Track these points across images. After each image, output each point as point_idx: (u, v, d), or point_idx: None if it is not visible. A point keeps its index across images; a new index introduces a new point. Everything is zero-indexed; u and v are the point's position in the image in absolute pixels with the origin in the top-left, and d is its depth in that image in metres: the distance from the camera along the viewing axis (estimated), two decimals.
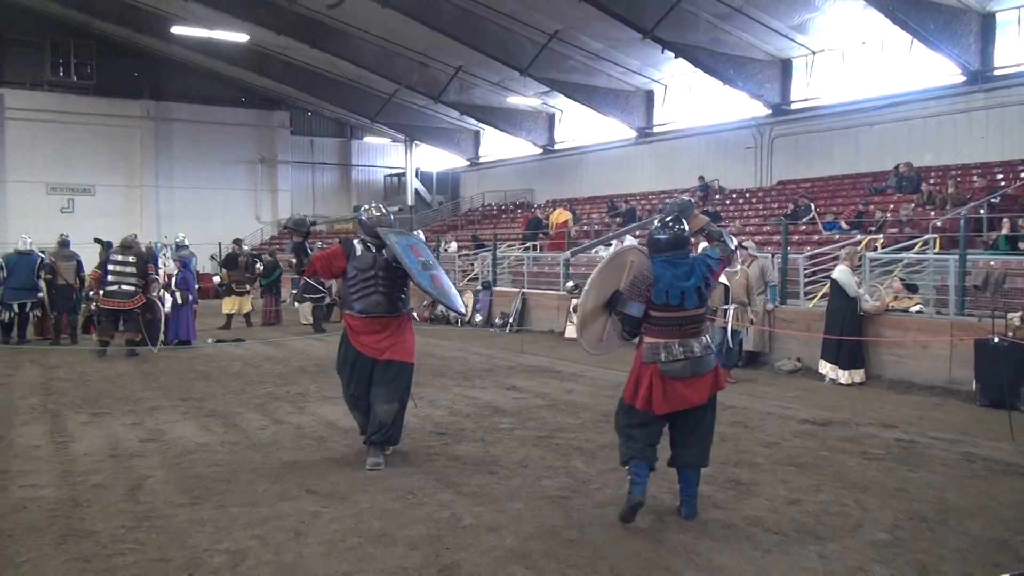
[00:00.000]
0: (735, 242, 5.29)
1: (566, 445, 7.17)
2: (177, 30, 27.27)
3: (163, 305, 14.16)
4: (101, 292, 13.19)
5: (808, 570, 4.38)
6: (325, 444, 7.21)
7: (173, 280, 14.52)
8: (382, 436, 6.44)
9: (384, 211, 6.74)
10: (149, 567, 4.42)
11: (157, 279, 13.89)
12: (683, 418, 5.11)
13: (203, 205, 36.12)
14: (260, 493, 5.74)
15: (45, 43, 33.49)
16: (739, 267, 10.79)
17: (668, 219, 5.10)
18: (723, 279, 10.54)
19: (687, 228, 5.12)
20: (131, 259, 13.17)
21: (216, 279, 19.20)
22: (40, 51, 33.55)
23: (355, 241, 6.64)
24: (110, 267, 13.16)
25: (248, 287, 18.33)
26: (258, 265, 18.74)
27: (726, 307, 10.53)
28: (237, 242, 19.80)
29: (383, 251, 6.45)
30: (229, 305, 17.89)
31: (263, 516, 5.24)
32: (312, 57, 30.44)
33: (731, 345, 10.57)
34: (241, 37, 27.55)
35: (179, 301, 14.34)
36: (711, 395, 5.10)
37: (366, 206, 6.85)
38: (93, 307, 14.15)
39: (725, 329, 10.47)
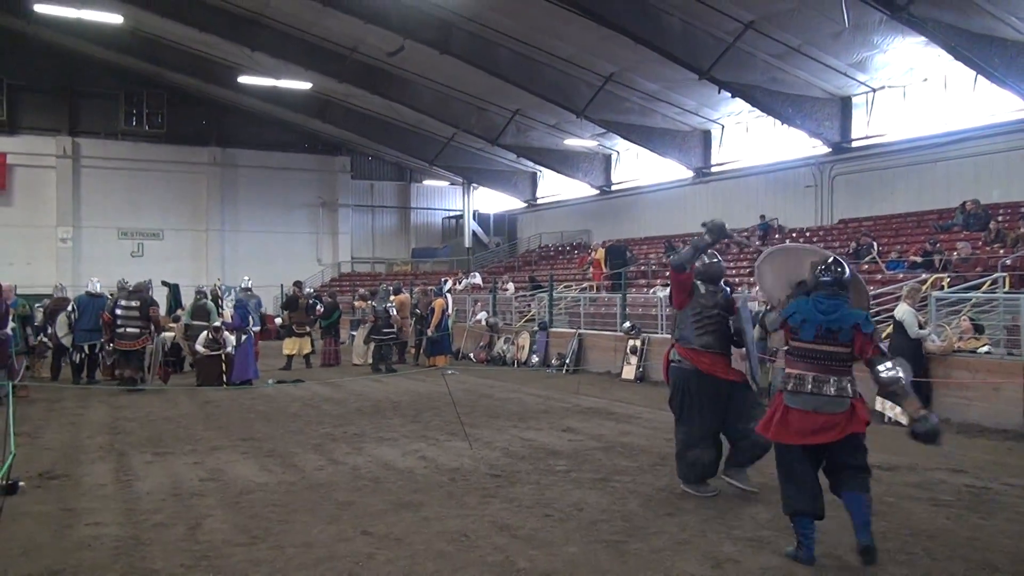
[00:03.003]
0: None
1: (622, 488, 7.08)
2: (244, 79, 28.29)
3: (226, 346, 14.51)
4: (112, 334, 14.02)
5: None
6: (381, 485, 7.24)
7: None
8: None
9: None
10: None
11: (158, 320, 14.68)
12: (833, 457, 5.16)
13: (266, 248, 37.02)
14: (316, 534, 5.78)
15: (119, 94, 34.99)
16: None
17: (831, 262, 5.25)
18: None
19: (845, 271, 5.28)
20: (135, 303, 14.03)
21: (278, 321, 19.54)
22: (115, 102, 35.05)
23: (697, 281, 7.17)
24: (118, 311, 13.99)
25: (308, 328, 18.62)
26: (318, 307, 19.04)
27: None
28: (298, 284, 20.17)
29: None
30: (290, 346, 18.18)
31: (318, 557, 5.27)
32: (372, 103, 31.19)
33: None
34: (304, 85, 28.44)
35: (235, 343, 14.64)
36: (842, 434, 5.07)
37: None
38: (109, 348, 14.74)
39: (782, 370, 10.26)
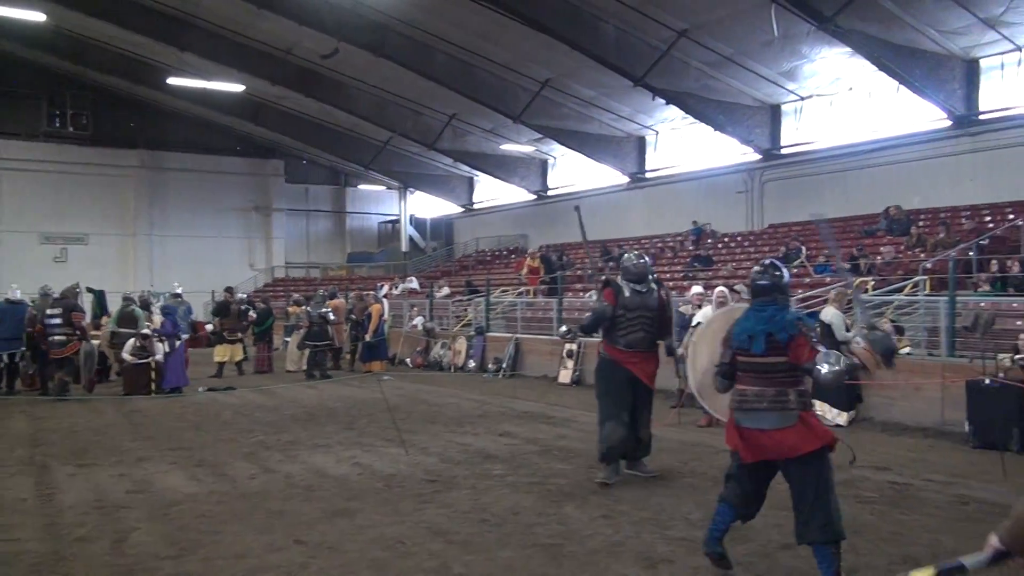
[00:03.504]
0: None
1: (558, 491, 7.11)
2: (173, 81, 27.61)
3: (155, 353, 14.17)
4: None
5: None
6: (315, 493, 7.14)
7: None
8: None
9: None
10: None
11: (83, 326, 14.26)
12: (792, 483, 4.79)
13: (197, 253, 36.14)
14: (247, 544, 5.67)
15: (42, 95, 33.85)
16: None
17: (766, 265, 4.98)
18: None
19: (783, 273, 4.96)
20: (58, 311, 13.75)
21: (209, 327, 19.14)
22: (37, 102, 33.87)
23: (621, 282, 7.60)
24: (47, 320, 13.72)
25: (240, 335, 18.28)
26: (251, 313, 18.71)
27: None
28: (229, 290, 19.78)
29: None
30: (221, 353, 17.82)
31: (250, 568, 5.17)
32: (307, 106, 30.78)
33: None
34: (236, 87, 27.91)
35: (166, 349, 14.33)
36: (802, 451, 4.66)
37: (628, 254, 7.90)
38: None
39: None
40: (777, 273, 4.90)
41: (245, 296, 21.14)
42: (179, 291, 17.51)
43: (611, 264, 20.27)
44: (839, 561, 4.59)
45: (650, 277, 7.71)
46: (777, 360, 4.71)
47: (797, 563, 5.16)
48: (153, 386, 14.06)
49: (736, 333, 4.89)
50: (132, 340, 14.25)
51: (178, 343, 14.75)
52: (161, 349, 14.30)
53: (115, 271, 33.74)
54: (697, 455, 8.68)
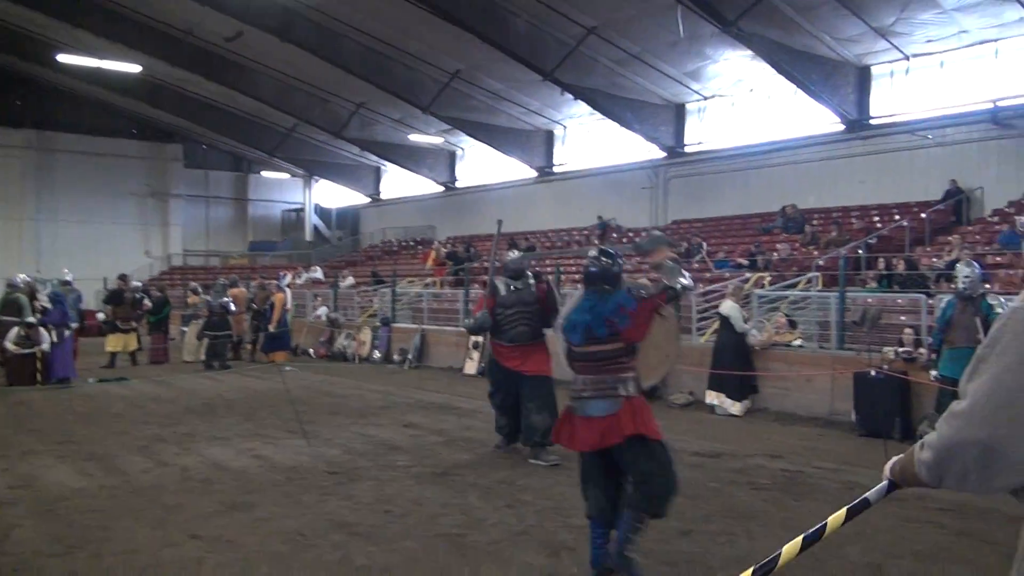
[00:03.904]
0: (686, 283, 4.96)
1: (462, 482, 7.11)
2: (63, 58, 26.28)
3: (41, 343, 13.52)
4: None
5: None
6: (212, 486, 6.94)
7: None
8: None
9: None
10: None
11: None
12: (621, 459, 4.72)
13: (89, 239, 34.60)
14: (140, 540, 5.47)
15: None
16: None
17: (596, 253, 4.96)
18: None
19: (614, 263, 4.89)
20: None
21: (100, 316, 18.33)
22: None
23: (498, 281, 8.14)
24: None
25: (135, 324, 17.61)
26: (146, 301, 18.04)
27: None
28: (123, 278, 19.00)
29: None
30: (113, 343, 17.13)
31: (142, 565, 4.99)
32: (208, 89, 29.81)
33: None
34: (133, 68, 26.70)
35: (53, 339, 13.69)
36: (611, 441, 4.61)
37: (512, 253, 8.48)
38: None
39: None
40: (607, 261, 4.85)
41: (140, 284, 20.35)
42: (69, 278, 16.71)
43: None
44: (634, 530, 4.58)
45: (528, 273, 8.32)
46: (599, 349, 4.70)
47: (695, 549, 5.30)
48: (39, 377, 13.41)
49: (564, 324, 4.90)
50: (16, 329, 13.54)
51: (67, 333, 14.10)
52: (47, 338, 13.65)
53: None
54: None
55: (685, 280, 4.95)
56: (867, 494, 2.29)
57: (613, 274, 4.86)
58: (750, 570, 2.30)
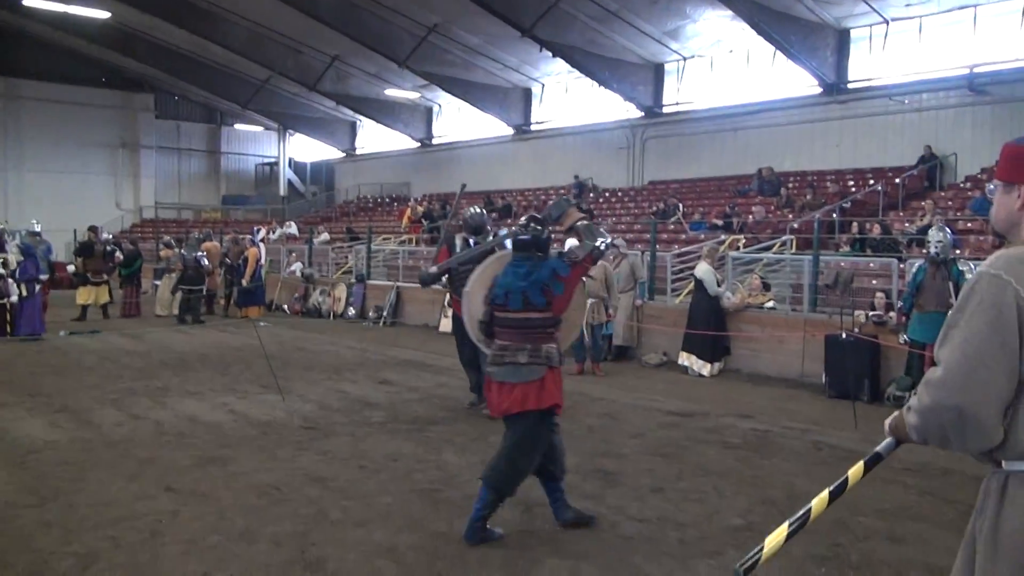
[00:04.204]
0: (606, 240, 5.07)
1: (437, 438, 7.16)
2: (29, 2, 25.53)
3: (10, 295, 13.32)
4: None
5: (668, 555, 4.54)
6: (186, 440, 6.93)
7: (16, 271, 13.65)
8: None
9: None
10: None
11: None
12: (506, 428, 4.86)
13: (58, 190, 33.99)
14: (114, 493, 5.47)
15: None
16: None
17: (526, 220, 4.99)
18: None
19: (544, 230, 4.94)
20: None
21: (71, 268, 18.06)
22: None
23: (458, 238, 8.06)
24: None
25: (106, 277, 17.39)
26: (117, 254, 17.81)
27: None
28: (93, 229, 18.69)
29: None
30: (84, 296, 16.91)
31: (117, 516, 4.99)
32: (180, 38, 29.18)
33: (587, 340, 10.79)
34: (101, 14, 26.05)
35: (23, 293, 13.44)
36: (527, 407, 4.69)
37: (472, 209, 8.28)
38: None
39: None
40: (538, 228, 4.89)
41: (111, 236, 20.05)
42: (38, 229, 16.39)
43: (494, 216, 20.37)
44: (489, 510, 4.68)
45: (488, 228, 8.35)
46: (531, 316, 4.75)
47: (666, 506, 5.39)
48: (9, 329, 13.23)
49: (496, 289, 4.88)
50: None
51: (37, 287, 13.86)
52: (16, 291, 13.44)
53: None
54: (573, 403, 8.88)
55: (605, 238, 5.07)
56: (878, 448, 2.44)
57: (544, 241, 4.89)
58: (784, 524, 2.39)
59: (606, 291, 10.98)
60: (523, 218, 5.04)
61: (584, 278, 5.13)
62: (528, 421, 4.71)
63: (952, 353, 2.02)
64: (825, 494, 2.46)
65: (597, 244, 4.92)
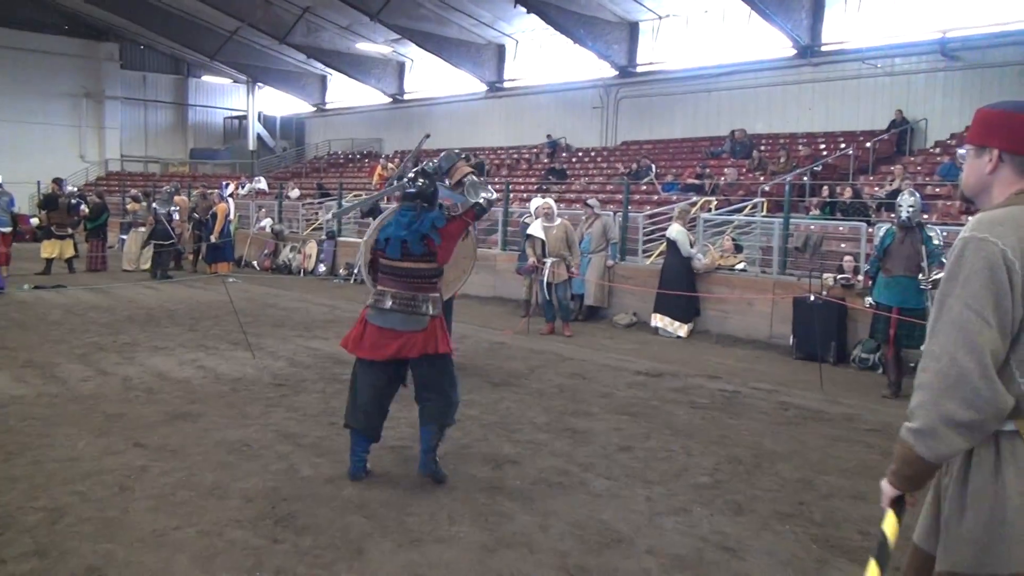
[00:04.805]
0: (489, 197, 5.20)
1: (407, 395, 7.11)
2: None
3: None
4: None
5: (636, 512, 4.61)
6: (155, 396, 6.89)
7: None
8: None
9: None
10: None
11: None
12: (416, 376, 5.09)
13: (19, 141, 33.18)
14: (81, 448, 5.43)
15: None
16: (557, 222, 11.01)
17: (413, 174, 5.07)
18: (538, 233, 10.80)
19: (430, 183, 5.04)
20: None
21: (34, 221, 17.72)
22: None
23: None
24: None
25: (71, 230, 17.10)
26: (83, 207, 17.49)
27: (545, 260, 10.77)
28: (57, 181, 18.32)
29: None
30: (49, 249, 16.65)
31: (85, 471, 4.97)
32: None
33: (547, 297, 10.83)
34: None
35: None
36: (421, 352, 4.91)
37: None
38: None
39: (543, 282, 10.77)
40: (424, 182, 5.01)
41: (75, 189, 19.67)
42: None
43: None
44: (437, 441, 5.03)
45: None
46: (413, 266, 4.93)
47: (634, 464, 5.47)
48: None
49: (380, 236, 5.05)
50: None
51: None
52: None
53: None
54: (543, 362, 8.95)
55: (489, 194, 5.21)
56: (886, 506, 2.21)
57: (430, 193, 5.03)
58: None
59: (567, 249, 10.96)
60: (411, 172, 5.12)
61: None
62: (436, 360, 4.99)
63: (951, 325, 2.02)
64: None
65: (480, 199, 5.12)
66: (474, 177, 5.32)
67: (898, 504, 2.17)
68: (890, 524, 2.16)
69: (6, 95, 33.75)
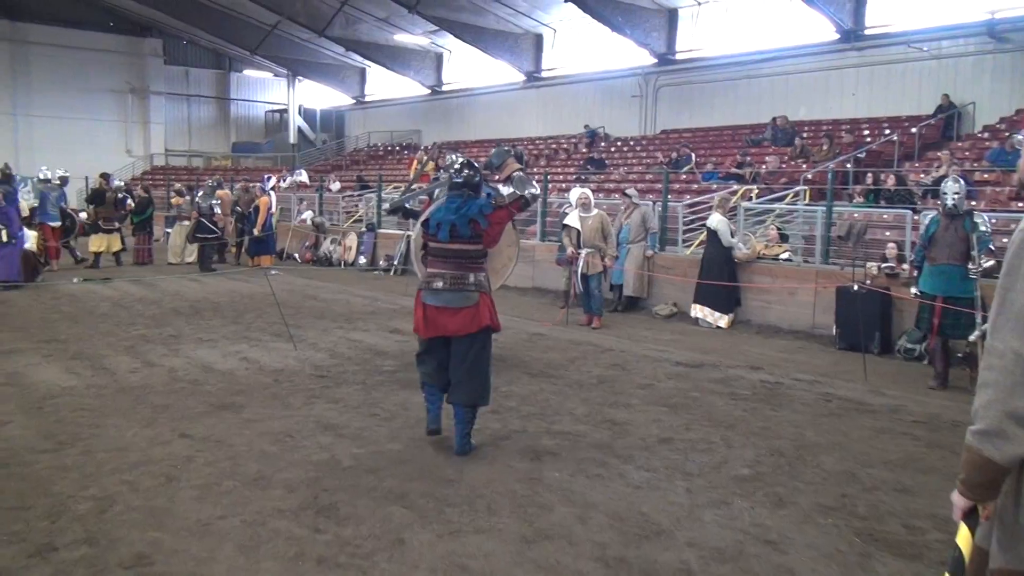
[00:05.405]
0: (534, 191, 5.64)
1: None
2: None
3: (22, 242, 13.31)
4: None
5: (675, 504, 4.59)
6: (200, 387, 7.01)
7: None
8: None
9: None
10: (7, 516, 4.22)
11: None
12: (454, 353, 5.43)
13: (68, 136, 33.87)
14: (130, 438, 5.56)
15: None
16: (593, 212, 10.91)
17: (460, 165, 5.53)
18: (574, 223, 10.72)
19: (475, 173, 5.50)
20: None
21: (83, 216, 18.10)
22: None
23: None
24: None
25: (118, 224, 17.45)
26: (128, 201, 17.83)
27: (579, 251, 10.68)
28: (105, 176, 18.69)
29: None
30: (97, 243, 17.00)
31: (133, 461, 5.08)
32: None
33: (580, 289, 10.76)
34: None
35: (3, 238, 12.82)
36: (471, 330, 5.34)
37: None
38: None
39: (577, 272, 10.68)
40: (470, 172, 5.48)
41: (122, 184, 20.03)
42: (48, 175, 16.42)
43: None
44: (471, 424, 5.45)
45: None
46: (461, 247, 5.39)
47: (674, 456, 5.44)
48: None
49: (430, 220, 5.50)
50: None
51: (20, 234, 13.08)
52: (27, 237, 13.43)
53: None
54: (582, 353, 8.94)
55: (534, 189, 5.70)
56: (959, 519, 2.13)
57: (475, 183, 5.52)
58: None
59: (602, 240, 10.86)
60: (461, 160, 5.60)
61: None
62: (477, 339, 5.39)
63: (1015, 320, 1.93)
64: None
65: (525, 194, 5.59)
66: (521, 173, 5.76)
67: (971, 516, 2.07)
68: (963, 538, 2.07)
69: (54, 92, 34.48)
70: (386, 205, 7.46)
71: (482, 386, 5.44)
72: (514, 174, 5.77)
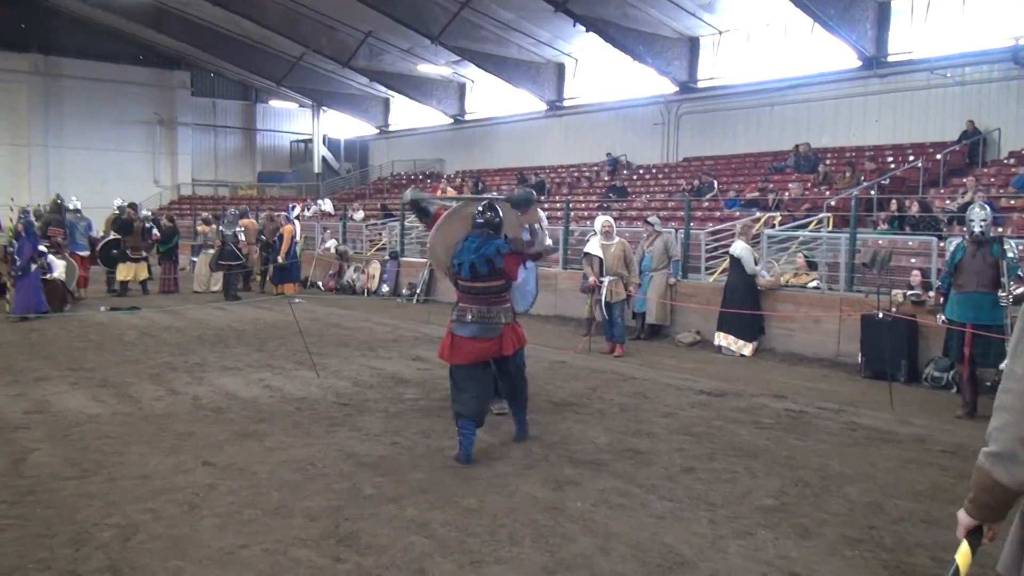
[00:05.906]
0: (550, 245, 6.42)
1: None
2: None
3: (53, 271, 13.52)
4: None
5: (698, 535, 4.53)
6: (223, 415, 7.05)
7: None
8: None
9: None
10: (33, 543, 4.26)
11: None
12: (502, 372, 6.27)
13: (97, 167, 34.54)
14: (153, 466, 5.59)
15: None
16: (615, 240, 10.88)
17: (482, 207, 6.10)
18: (595, 251, 10.70)
19: (496, 215, 6.07)
20: None
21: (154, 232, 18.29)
22: None
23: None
24: None
25: (145, 254, 17.67)
26: (155, 231, 18.07)
27: (603, 279, 10.64)
28: (133, 206, 18.98)
29: None
30: (124, 272, 17.22)
31: (156, 489, 5.11)
32: (214, 15, 29.36)
33: (605, 316, 10.70)
34: None
35: (18, 272, 12.77)
36: (507, 352, 6.04)
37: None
38: None
39: (600, 301, 10.63)
40: (492, 215, 6.07)
41: (149, 213, 20.33)
42: (78, 205, 16.70)
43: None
44: (524, 409, 6.47)
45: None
46: (484, 285, 5.95)
47: (697, 486, 5.39)
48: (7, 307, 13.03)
49: (454, 261, 6.07)
50: None
51: (33, 266, 12.91)
52: (58, 266, 13.62)
53: (7, 182, 32.00)
54: (605, 381, 8.90)
55: (549, 242, 6.43)
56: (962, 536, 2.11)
57: (496, 223, 6.09)
58: None
59: (625, 268, 10.83)
60: (485, 203, 6.15)
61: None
62: (518, 355, 6.24)
63: None
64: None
65: (540, 249, 6.31)
66: (543, 224, 6.33)
67: (975, 535, 2.07)
68: (963, 555, 2.07)
69: (84, 123, 35.18)
70: (407, 194, 7.44)
71: (526, 386, 6.43)
72: (535, 224, 6.24)
